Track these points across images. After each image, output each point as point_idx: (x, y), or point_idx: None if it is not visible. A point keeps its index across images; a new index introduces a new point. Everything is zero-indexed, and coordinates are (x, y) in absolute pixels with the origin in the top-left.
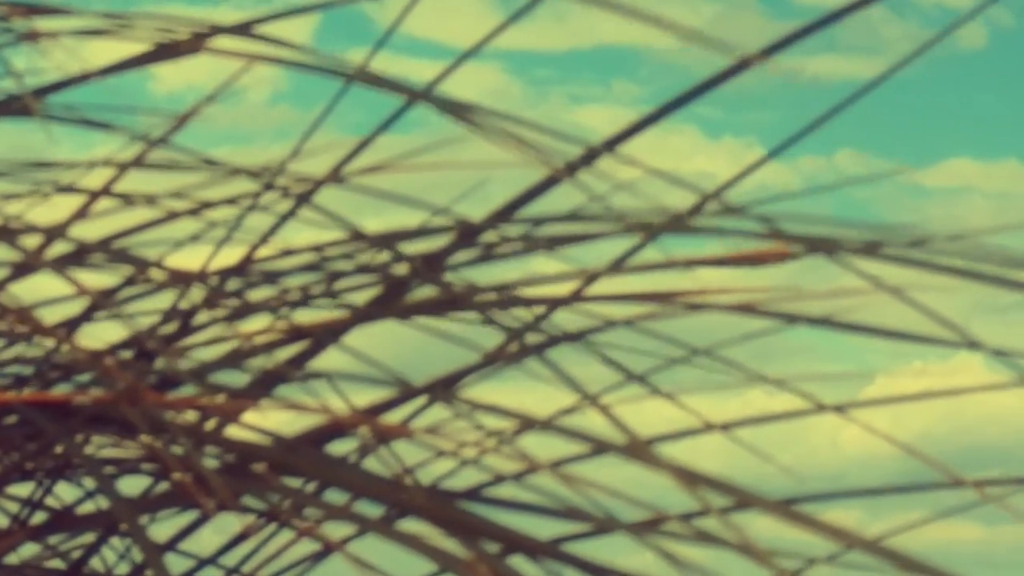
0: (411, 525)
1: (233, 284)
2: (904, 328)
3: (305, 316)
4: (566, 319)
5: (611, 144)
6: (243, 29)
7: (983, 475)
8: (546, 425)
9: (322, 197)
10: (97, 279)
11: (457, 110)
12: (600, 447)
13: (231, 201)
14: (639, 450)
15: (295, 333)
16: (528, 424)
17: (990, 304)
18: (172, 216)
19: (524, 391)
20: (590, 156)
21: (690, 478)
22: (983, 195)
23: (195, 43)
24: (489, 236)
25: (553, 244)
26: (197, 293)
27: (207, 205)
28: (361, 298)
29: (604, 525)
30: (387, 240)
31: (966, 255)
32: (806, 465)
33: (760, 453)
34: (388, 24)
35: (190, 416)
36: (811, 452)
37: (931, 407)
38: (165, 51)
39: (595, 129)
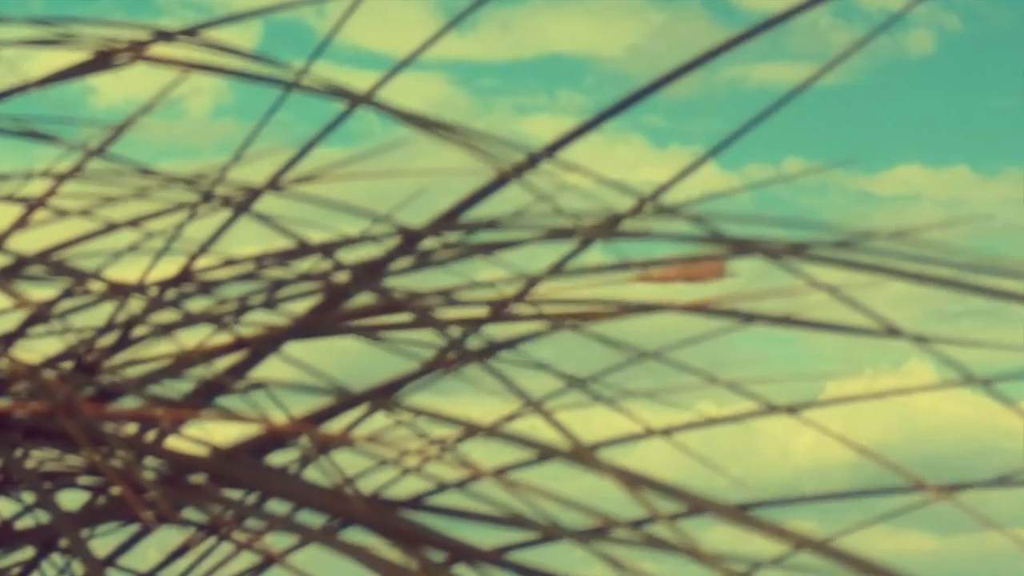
0: (354, 535)
1: (172, 295)
2: (857, 326)
3: (245, 326)
4: (508, 325)
5: (552, 149)
6: (184, 36)
7: (937, 483)
8: (490, 432)
9: (265, 207)
10: (35, 291)
11: (398, 116)
12: (544, 453)
13: (170, 211)
14: (583, 455)
15: (235, 343)
16: (471, 431)
17: (942, 311)
18: (111, 227)
19: (466, 399)
20: (532, 161)
21: (634, 481)
22: (933, 202)
23: (135, 51)
24: (430, 243)
25: (493, 250)
26: (136, 304)
27: (146, 216)
28: (301, 307)
29: (550, 532)
30: (327, 248)
31: (915, 258)
32: (758, 475)
33: (711, 463)
34: (334, 36)
35: (130, 428)
36: (763, 462)
37: (883, 416)
38: (104, 60)
39: (540, 138)
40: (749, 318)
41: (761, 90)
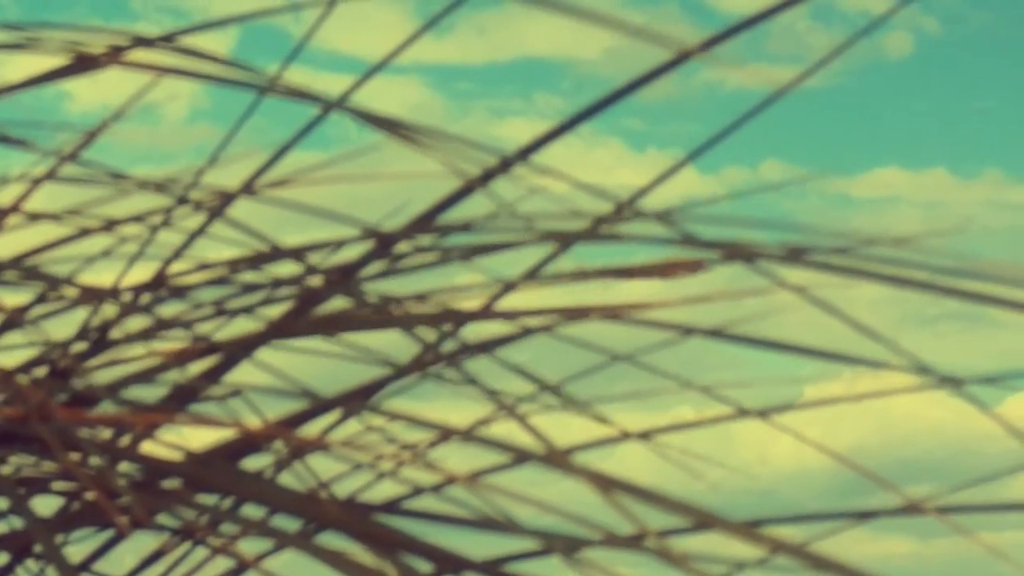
0: (330, 539)
1: (146, 300)
2: (833, 341)
3: (219, 331)
4: (483, 329)
5: (527, 152)
6: (160, 41)
7: (915, 488)
8: (465, 436)
9: (240, 212)
10: (9, 296)
11: (374, 121)
12: (519, 457)
13: (143, 217)
14: (557, 459)
15: (209, 348)
16: (446, 435)
17: (920, 315)
18: (85, 232)
19: (442, 403)
20: (506, 165)
21: (607, 485)
22: (911, 204)
23: (110, 56)
24: (404, 247)
25: (469, 254)
26: (110, 310)
27: (120, 221)
28: (275, 312)
29: (527, 537)
30: (301, 253)
31: (893, 261)
32: (736, 480)
33: (689, 468)
34: (308, 40)
35: (104, 433)
36: (741, 467)
37: (862, 421)
38: (79, 64)
39: (517, 142)
40: (721, 332)
41: (739, 93)
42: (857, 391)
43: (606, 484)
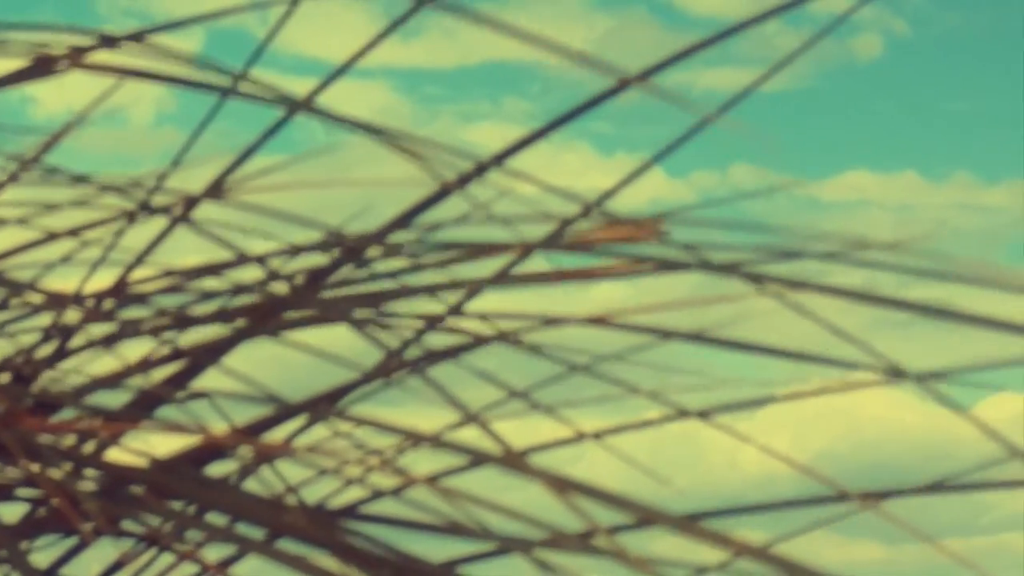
0: (294, 545)
1: (110, 305)
2: (804, 341)
3: (184, 336)
4: (449, 335)
5: (500, 158)
6: (126, 42)
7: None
8: (431, 440)
9: (205, 216)
10: None
11: (337, 122)
12: (477, 459)
13: (108, 221)
14: (516, 462)
15: (174, 353)
16: (414, 440)
17: (889, 317)
18: (50, 237)
19: (410, 409)
20: (478, 170)
21: (564, 487)
22: (881, 207)
23: (73, 58)
24: (372, 252)
25: (444, 262)
26: (74, 315)
27: (84, 226)
28: (240, 317)
29: (490, 541)
30: (265, 259)
31: (864, 264)
32: (705, 485)
33: (657, 473)
34: (275, 43)
35: (68, 440)
36: (710, 472)
37: (831, 426)
38: (42, 66)
39: (486, 146)
40: (695, 335)
41: (707, 96)
42: (828, 391)
43: (561, 485)
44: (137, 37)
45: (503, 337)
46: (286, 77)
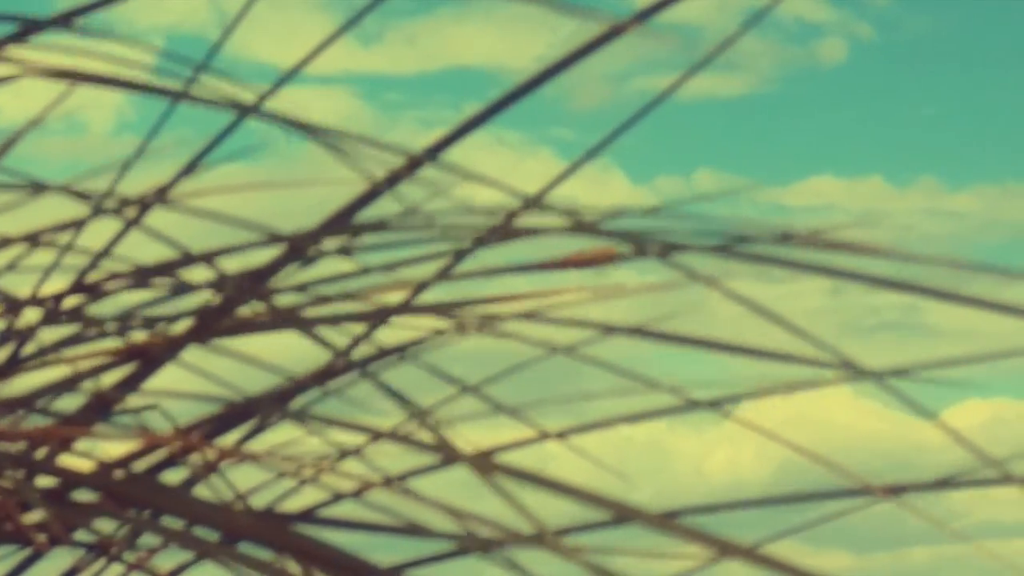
0: (251, 549)
1: (64, 308)
2: (769, 344)
3: (134, 339)
4: (398, 331)
5: (434, 152)
6: (82, 45)
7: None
8: (389, 437)
9: (161, 223)
10: None
11: (288, 125)
12: (447, 458)
13: (62, 227)
14: (479, 463)
15: (123, 356)
16: (374, 437)
17: (856, 325)
18: (4, 242)
19: (365, 407)
20: (413, 165)
21: (535, 483)
22: (846, 213)
23: (25, 64)
24: (316, 250)
25: (389, 266)
26: (28, 318)
27: (39, 231)
28: (188, 319)
29: (451, 542)
30: (211, 258)
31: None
32: (672, 492)
33: (625, 479)
34: (233, 50)
35: (19, 445)
36: (676, 479)
37: (800, 434)
38: None
39: (446, 151)
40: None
41: (671, 100)
42: (793, 388)
43: (535, 483)
44: (64, 21)
45: (457, 331)
46: (253, 84)
